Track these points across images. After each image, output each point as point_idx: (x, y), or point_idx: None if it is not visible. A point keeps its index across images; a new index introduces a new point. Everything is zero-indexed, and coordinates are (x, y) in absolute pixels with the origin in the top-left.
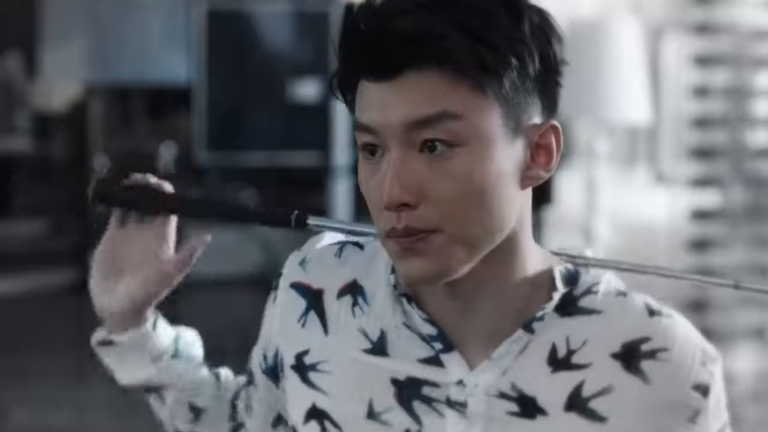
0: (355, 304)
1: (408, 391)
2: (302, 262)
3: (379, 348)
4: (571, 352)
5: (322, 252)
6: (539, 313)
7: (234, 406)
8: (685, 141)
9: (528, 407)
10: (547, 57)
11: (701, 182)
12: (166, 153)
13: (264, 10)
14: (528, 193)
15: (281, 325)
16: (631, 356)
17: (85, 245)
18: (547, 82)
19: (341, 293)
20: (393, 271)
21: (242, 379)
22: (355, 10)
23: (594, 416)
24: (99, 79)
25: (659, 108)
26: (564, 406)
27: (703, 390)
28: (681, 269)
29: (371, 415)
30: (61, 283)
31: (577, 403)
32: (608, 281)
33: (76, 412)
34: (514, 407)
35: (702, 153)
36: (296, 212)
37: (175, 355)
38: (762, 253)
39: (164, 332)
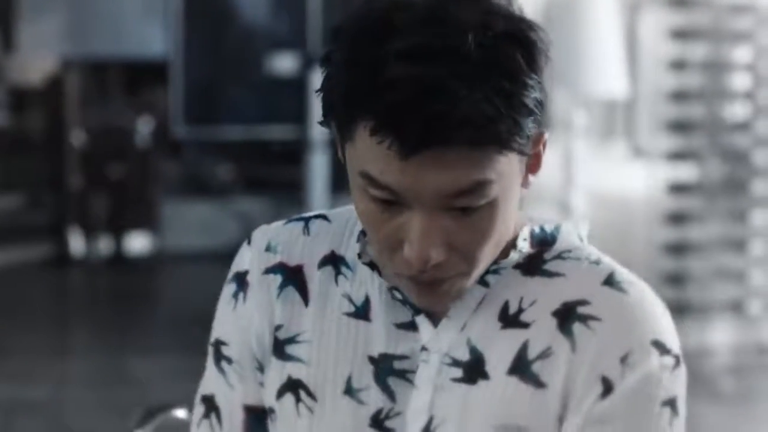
0: (338, 273)
1: (382, 368)
2: (268, 248)
3: (362, 312)
4: (521, 311)
5: (286, 232)
6: (493, 267)
7: None
8: (662, 114)
9: (472, 371)
10: (545, 83)
11: (678, 155)
12: (143, 127)
13: None
14: None
15: (261, 318)
16: (566, 316)
17: (62, 219)
18: (543, 103)
19: (322, 264)
20: (358, 239)
21: None
22: (378, 56)
23: (536, 381)
24: (76, 53)
25: (636, 81)
26: (508, 370)
27: (606, 386)
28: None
29: (348, 391)
30: (38, 257)
31: (520, 366)
32: (589, 251)
33: (54, 386)
34: (458, 373)
35: (679, 126)
36: None
37: None
38: (738, 226)
39: None
